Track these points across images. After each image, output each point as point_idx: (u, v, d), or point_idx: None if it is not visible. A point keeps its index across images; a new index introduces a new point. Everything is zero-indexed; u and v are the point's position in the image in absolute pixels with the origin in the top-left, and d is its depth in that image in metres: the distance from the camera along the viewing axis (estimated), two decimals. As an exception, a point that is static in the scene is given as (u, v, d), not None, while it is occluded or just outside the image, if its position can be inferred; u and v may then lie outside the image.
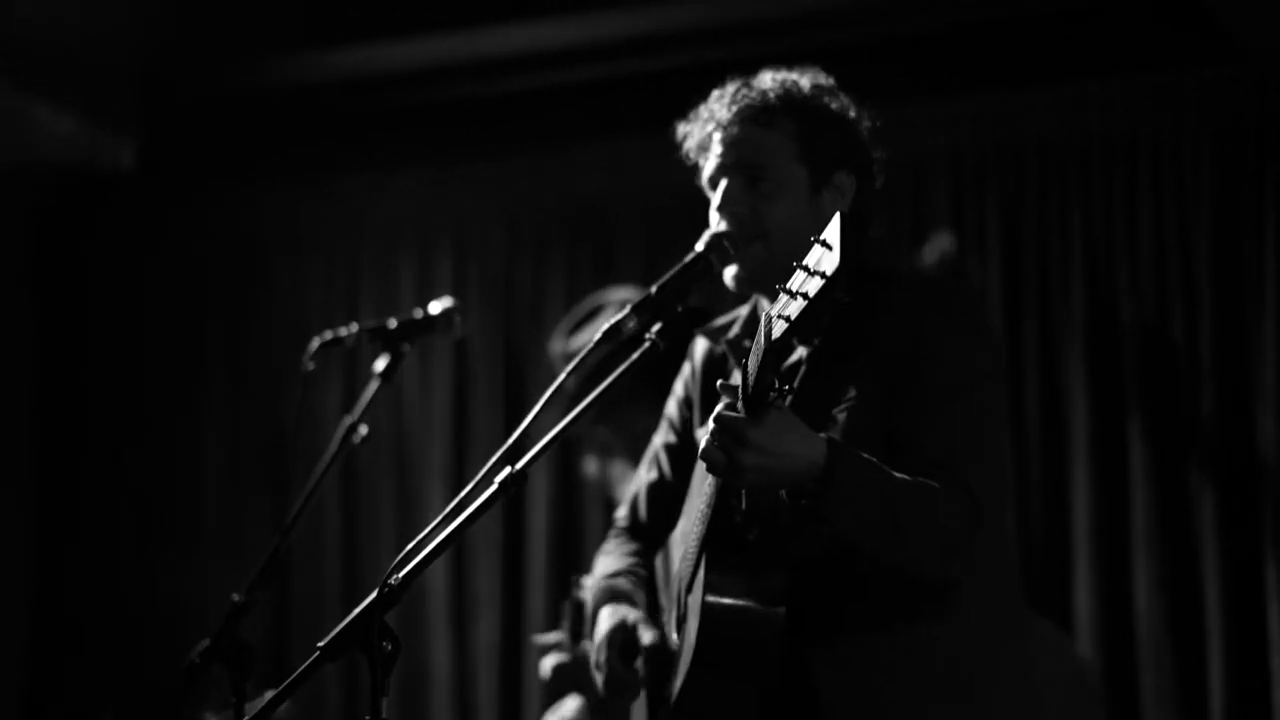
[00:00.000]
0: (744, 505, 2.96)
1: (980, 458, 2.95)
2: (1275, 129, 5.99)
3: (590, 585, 3.64)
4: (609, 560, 3.62)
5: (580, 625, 4.04)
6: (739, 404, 2.75)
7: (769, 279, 3.08)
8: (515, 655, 6.87)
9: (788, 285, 2.54)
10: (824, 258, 2.47)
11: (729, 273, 3.09)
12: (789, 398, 2.99)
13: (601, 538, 6.70)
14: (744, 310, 3.40)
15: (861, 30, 6.35)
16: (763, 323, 2.61)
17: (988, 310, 3.22)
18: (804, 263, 2.51)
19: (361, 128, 7.44)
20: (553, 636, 4.09)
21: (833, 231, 2.47)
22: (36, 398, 7.75)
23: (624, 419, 4.66)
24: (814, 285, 2.47)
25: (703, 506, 2.98)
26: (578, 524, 6.88)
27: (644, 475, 3.76)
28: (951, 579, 2.93)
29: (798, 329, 2.53)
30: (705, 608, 2.93)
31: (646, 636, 3.25)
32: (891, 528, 2.84)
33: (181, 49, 7.13)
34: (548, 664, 4.23)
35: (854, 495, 2.80)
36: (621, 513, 3.91)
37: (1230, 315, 5.98)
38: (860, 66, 3.22)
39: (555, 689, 4.34)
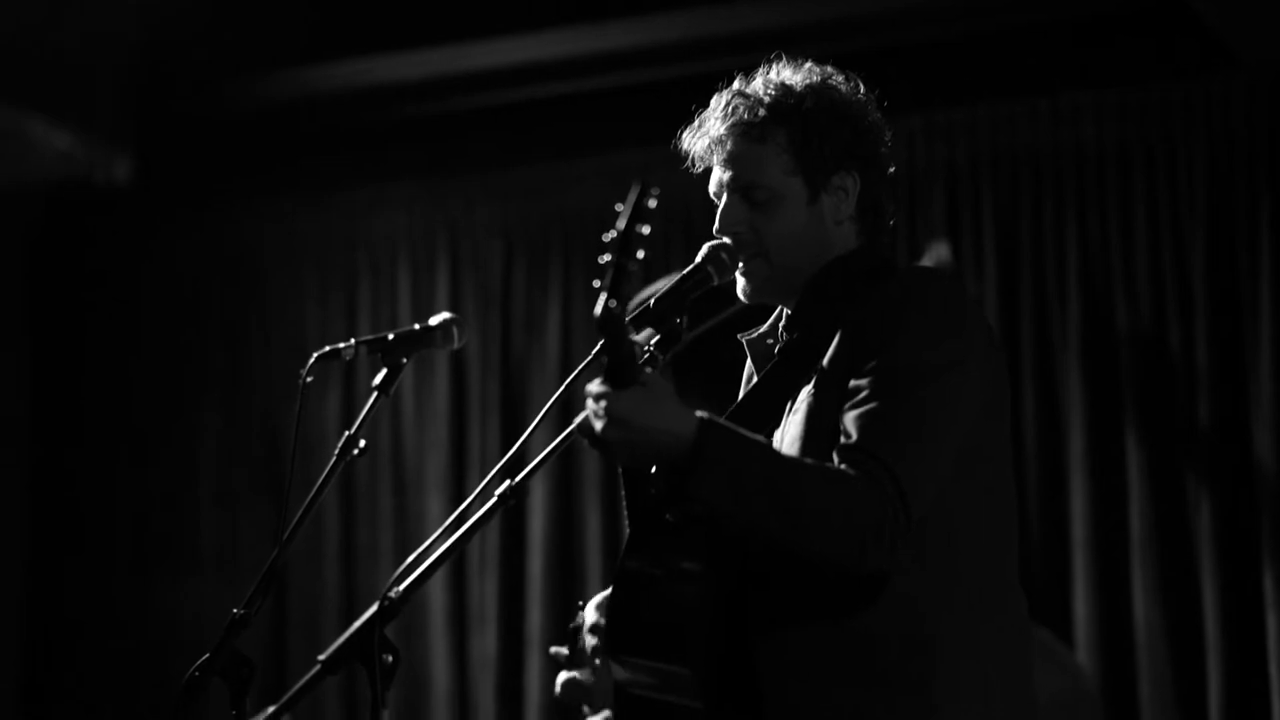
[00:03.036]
0: (654, 486, 2.92)
1: (916, 444, 2.79)
2: (1269, 138, 6.01)
3: None
4: None
5: (582, 646, 4.04)
6: (603, 378, 2.70)
7: (777, 292, 3.08)
8: (515, 668, 6.87)
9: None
10: (617, 224, 2.64)
11: (739, 287, 3.08)
12: (658, 369, 2.93)
13: (601, 549, 6.76)
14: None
15: (857, 42, 6.35)
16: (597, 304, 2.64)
17: (972, 303, 3.09)
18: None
19: (357, 141, 7.44)
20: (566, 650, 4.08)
21: (628, 201, 2.64)
22: (32, 413, 7.74)
23: None
24: (613, 251, 2.65)
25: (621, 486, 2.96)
26: (578, 536, 6.88)
27: None
28: (869, 571, 2.82)
29: (616, 293, 2.62)
30: (612, 594, 2.93)
31: None
32: (778, 513, 2.72)
33: (176, 64, 7.14)
34: (561, 679, 4.23)
35: (728, 475, 2.70)
36: None
37: (1226, 324, 6.00)
38: (855, 77, 3.19)
39: (565, 703, 4.33)
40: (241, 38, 7.01)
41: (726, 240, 3.05)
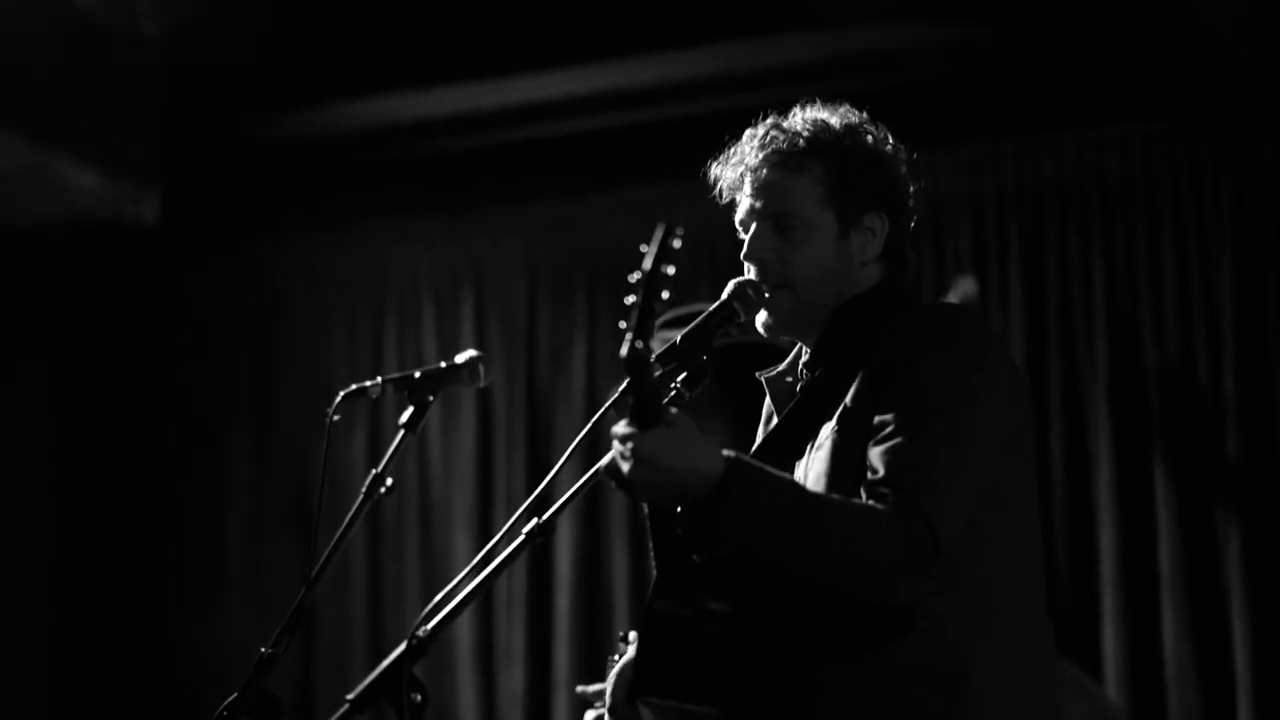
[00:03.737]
0: (681, 526, 2.91)
1: (945, 478, 2.78)
2: (1295, 168, 6.00)
3: None
4: None
5: None
6: (628, 419, 2.70)
7: (799, 325, 3.07)
8: (543, 706, 6.86)
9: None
10: (643, 265, 2.65)
11: (759, 319, 3.07)
12: (683, 407, 2.93)
13: (629, 586, 6.74)
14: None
15: (883, 76, 6.37)
16: (622, 345, 2.64)
17: (996, 337, 3.08)
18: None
19: (382, 177, 7.47)
20: (595, 688, 4.06)
21: (654, 241, 2.66)
22: (59, 448, 7.77)
23: None
24: (639, 294, 2.65)
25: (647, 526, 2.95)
26: (605, 574, 6.86)
27: None
28: (899, 606, 2.82)
29: (641, 333, 2.62)
30: (639, 636, 2.92)
31: None
32: (806, 550, 2.72)
33: (202, 102, 7.18)
34: (588, 718, 4.22)
35: (754, 514, 2.69)
36: None
37: (1254, 356, 5.98)
38: (882, 112, 3.19)
39: None
40: (267, 76, 7.05)
41: (752, 277, 3.05)
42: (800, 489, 2.81)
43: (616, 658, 4.06)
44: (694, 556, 2.88)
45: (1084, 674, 5.67)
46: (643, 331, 2.62)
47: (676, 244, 2.67)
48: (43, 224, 7.46)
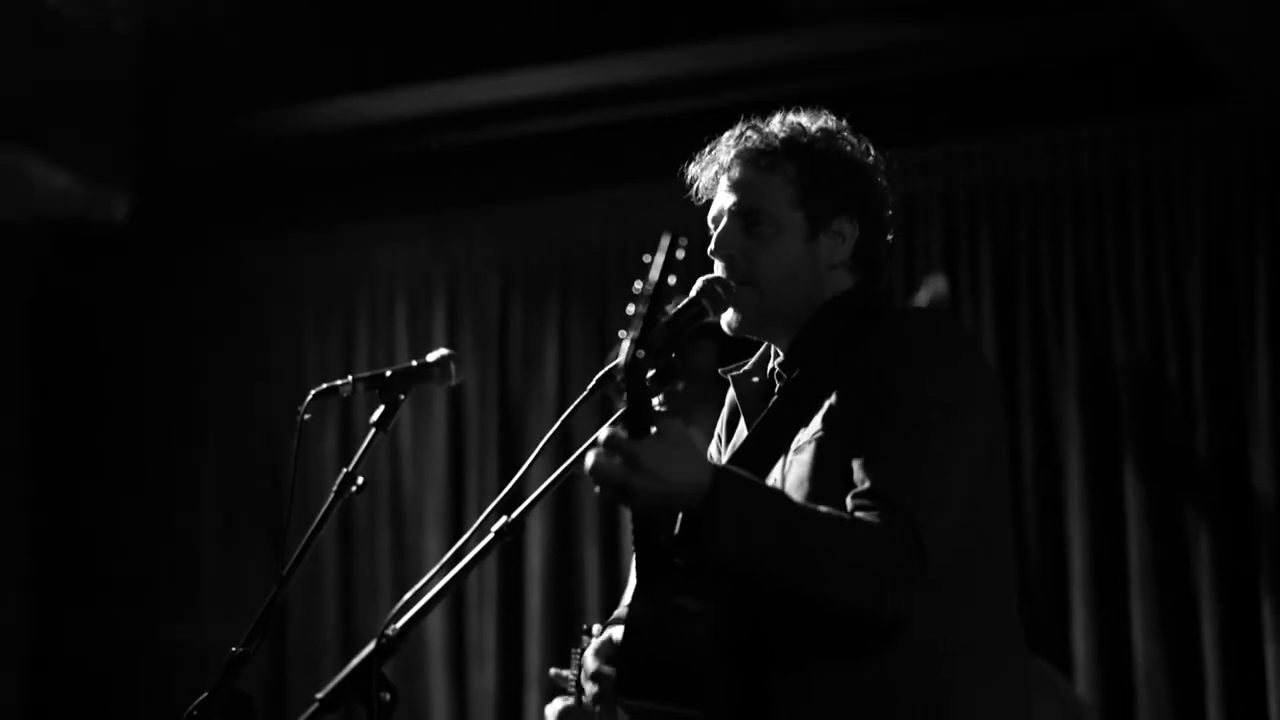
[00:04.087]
0: (671, 530, 2.92)
1: (932, 489, 2.81)
2: (1266, 168, 6.02)
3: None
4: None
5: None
6: (621, 425, 2.70)
7: (763, 324, 3.09)
8: (514, 703, 6.86)
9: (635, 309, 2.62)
10: (650, 276, 2.60)
11: (725, 318, 3.08)
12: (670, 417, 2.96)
13: (600, 584, 6.75)
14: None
15: (855, 75, 6.38)
16: (621, 350, 2.65)
17: (973, 343, 3.10)
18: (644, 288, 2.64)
19: (355, 178, 7.46)
20: (570, 672, 4.07)
21: (659, 252, 2.62)
22: (32, 449, 7.75)
23: None
24: (643, 304, 2.62)
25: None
26: (576, 572, 6.87)
27: None
28: (888, 617, 2.85)
29: (643, 344, 2.62)
30: (622, 639, 2.93)
31: None
32: (794, 563, 2.74)
33: (174, 102, 7.16)
34: (556, 705, 4.22)
35: (741, 525, 2.70)
36: None
37: (1224, 353, 6.00)
38: (853, 110, 3.20)
39: None
40: (240, 76, 7.03)
41: (720, 274, 3.07)
42: (788, 501, 2.82)
43: (579, 650, 4.07)
44: (676, 560, 2.89)
45: (1054, 670, 5.69)
46: (645, 342, 2.63)
47: (680, 254, 2.67)
48: (12, 225, 7.43)
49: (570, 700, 4.14)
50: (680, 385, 3.10)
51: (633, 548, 2.96)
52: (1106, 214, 6.25)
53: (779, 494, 2.83)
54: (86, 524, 7.64)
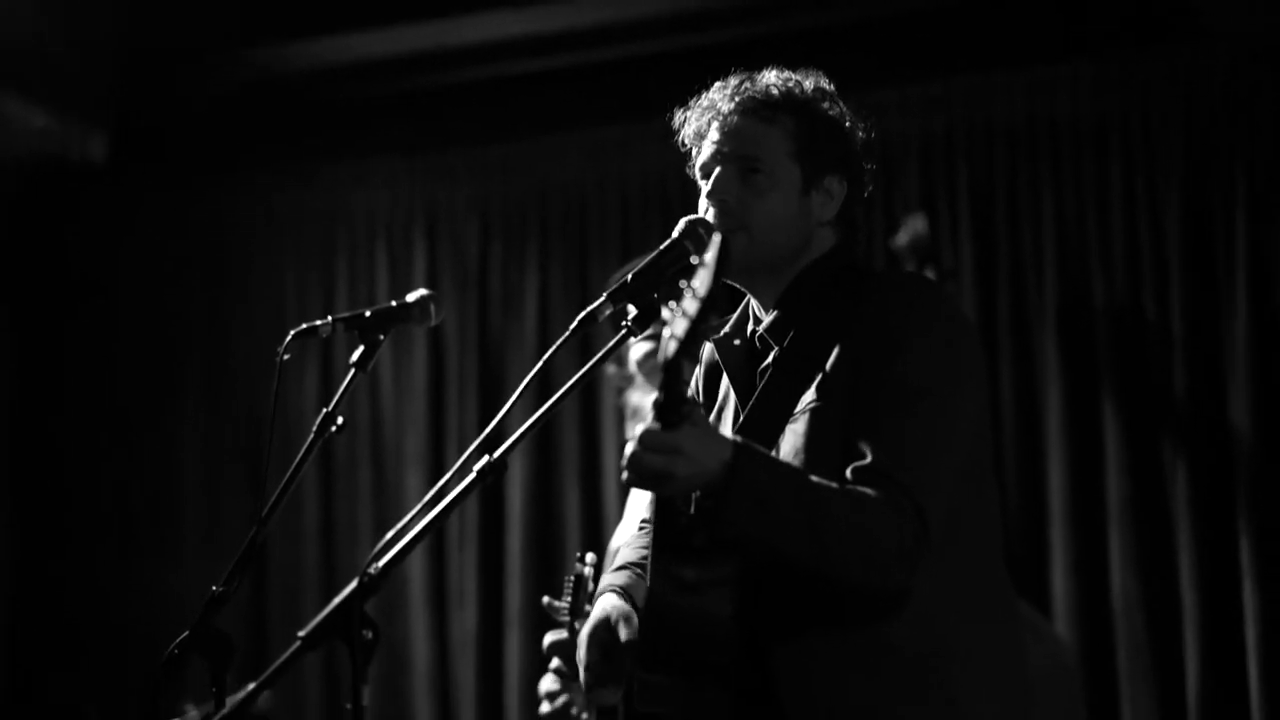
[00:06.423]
0: (689, 511, 2.96)
1: (933, 463, 2.88)
2: (1244, 108, 6.02)
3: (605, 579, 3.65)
4: (625, 552, 3.63)
5: (581, 600, 4.05)
6: (654, 417, 2.73)
7: (748, 271, 3.11)
8: (495, 643, 6.89)
9: (681, 306, 2.59)
10: (701, 279, 2.58)
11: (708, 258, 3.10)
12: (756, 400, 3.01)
13: (580, 525, 6.77)
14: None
15: (833, 14, 6.36)
16: (661, 343, 2.64)
17: (959, 311, 3.15)
18: (691, 283, 2.60)
19: (335, 118, 7.43)
20: (562, 603, 4.09)
21: (710, 253, 2.60)
22: (12, 394, 7.73)
23: None
24: (693, 306, 2.57)
25: (650, 513, 3.01)
26: (557, 513, 6.89)
27: None
28: (892, 588, 2.91)
29: (687, 348, 2.58)
30: (643, 617, 3.00)
31: (624, 633, 3.25)
32: (806, 537, 2.79)
33: (153, 40, 7.12)
34: (548, 639, 4.26)
35: (759, 500, 2.76)
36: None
37: (1201, 293, 6.02)
38: (831, 51, 3.23)
39: (551, 658, 4.35)
40: (219, 14, 6.99)
41: (703, 215, 3.08)
42: (803, 478, 2.86)
43: (573, 577, 4.09)
44: (693, 540, 2.94)
45: (1033, 610, 5.72)
46: (689, 348, 2.62)
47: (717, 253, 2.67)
48: (-10, 164, 7.41)
49: (564, 633, 4.17)
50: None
51: (650, 530, 3.01)
52: (1085, 154, 6.25)
53: (793, 470, 2.88)
54: (66, 467, 7.63)
